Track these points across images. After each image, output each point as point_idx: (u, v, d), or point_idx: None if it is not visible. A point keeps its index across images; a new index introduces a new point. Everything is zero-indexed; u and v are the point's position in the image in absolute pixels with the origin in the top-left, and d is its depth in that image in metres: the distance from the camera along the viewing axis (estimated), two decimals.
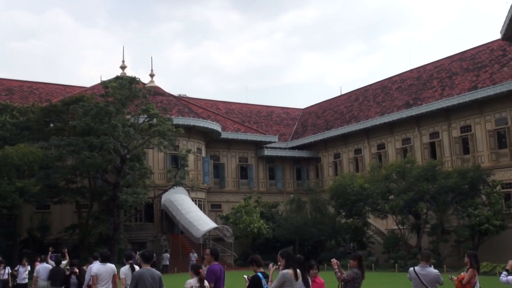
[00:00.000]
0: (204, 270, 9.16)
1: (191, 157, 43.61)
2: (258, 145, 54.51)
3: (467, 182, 36.11)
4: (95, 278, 11.44)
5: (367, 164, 48.12)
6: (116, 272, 11.77)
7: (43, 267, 16.28)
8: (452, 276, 10.38)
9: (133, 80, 36.90)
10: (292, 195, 48.67)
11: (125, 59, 50.62)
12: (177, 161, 43.15)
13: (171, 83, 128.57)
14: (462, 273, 10.13)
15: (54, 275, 15.58)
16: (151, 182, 40.51)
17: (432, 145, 44.27)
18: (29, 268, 19.94)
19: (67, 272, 14.70)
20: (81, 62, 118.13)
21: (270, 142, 54.56)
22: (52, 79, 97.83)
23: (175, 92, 57.23)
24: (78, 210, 38.94)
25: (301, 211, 44.64)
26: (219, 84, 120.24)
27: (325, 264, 32.07)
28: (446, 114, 42.67)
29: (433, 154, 43.65)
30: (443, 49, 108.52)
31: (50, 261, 17.26)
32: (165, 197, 42.24)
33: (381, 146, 49.14)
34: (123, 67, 49.56)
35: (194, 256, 38.39)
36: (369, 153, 49.95)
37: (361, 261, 9.57)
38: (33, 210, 39.55)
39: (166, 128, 35.86)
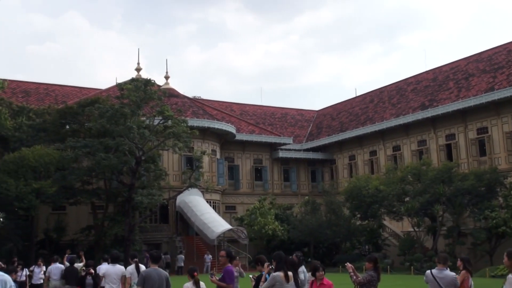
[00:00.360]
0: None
1: (205, 159, 43.69)
2: (273, 147, 54.47)
3: (483, 184, 35.81)
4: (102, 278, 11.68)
5: (382, 166, 47.88)
6: (124, 273, 11.90)
7: (55, 267, 16.59)
8: None
9: (148, 82, 37.02)
10: (306, 197, 48.59)
11: (140, 61, 50.80)
12: (191, 163, 43.25)
13: (186, 85, 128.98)
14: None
15: (68, 274, 15.90)
16: (166, 184, 40.63)
17: (448, 147, 43.93)
18: (44, 268, 20.11)
19: (83, 273, 14.85)
20: (96, 65, 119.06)
21: (284, 144, 54.51)
22: (68, 81, 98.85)
23: (189, 94, 57.43)
24: (93, 211, 39.18)
25: (316, 213, 44.53)
26: (233, 86, 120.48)
27: (340, 266, 31.95)
28: (463, 115, 42.32)
29: (449, 156, 43.31)
30: (459, 50, 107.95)
31: (66, 262, 17.48)
32: (180, 199, 42.33)
33: (396, 148, 48.87)
34: (138, 69, 49.79)
35: (209, 258, 38.45)
36: (385, 155, 49.69)
37: (376, 263, 9.54)
38: (49, 211, 39.83)
39: (181, 130, 35.92)
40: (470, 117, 42.06)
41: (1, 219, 18.73)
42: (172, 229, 44.58)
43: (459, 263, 10.23)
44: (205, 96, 61.23)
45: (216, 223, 40.94)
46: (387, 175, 41.32)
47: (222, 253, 9.98)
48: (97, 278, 14.16)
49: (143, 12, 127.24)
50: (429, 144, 45.52)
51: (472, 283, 10.16)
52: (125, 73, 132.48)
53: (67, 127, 37.91)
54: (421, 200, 36.35)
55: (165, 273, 8.87)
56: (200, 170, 40.71)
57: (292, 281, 8.27)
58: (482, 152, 41.34)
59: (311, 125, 63.49)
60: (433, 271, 8.86)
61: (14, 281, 18.26)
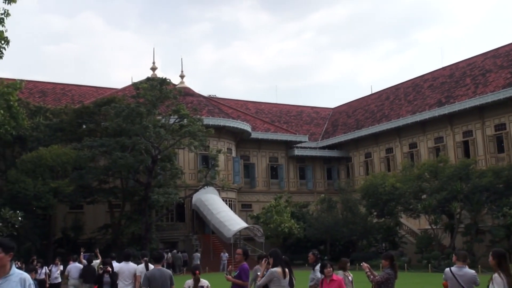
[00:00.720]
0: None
1: (221, 157, 43.75)
2: (288, 145, 54.39)
3: (502, 181, 35.42)
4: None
5: (398, 163, 47.61)
6: (136, 271, 12.02)
7: (74, 266, 16.95)
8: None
9: (163, 81, 37.13)
10: (322, 195, 48.43)
11: (155, 61, 51.26)
12: (207, 161, 43.32)
13: (201, 84, 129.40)
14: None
15: (86, 273, 16.15)
16: (182, 182, 40.79)
17: (466, 144, 43.55)
18: (61, 267, 20.30)
19: (100, 271, 14.93)
20: (112, 64, 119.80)
21: (300, 142, 54.43)
22: (84, 81, 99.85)
23: (205, 92, 57.59)
24: (110, 210, 39.42)
25: (332, 210, 44.39)
26: (248, 84, 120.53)
27: (357, 264, 31.80)
28: (480, 112, 41.92)
29: (467, 153, 42.94)
30: (476, 46, 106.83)
31: (83, 260, 17.62)
32: (196, 197, 42.45)
33: (413, 145, 48.55)
34: (153, 69, 50.00)
35: (225, 256, 38.49)
36: (401, 152, 49.40)
37: (393, 261, 9.49)
38: (67, 210, 40.16)
39: (196, 129, 35.99)
40: (488, 113, 41.65)
41: (20, 218, 18.96)
42: (188, 227, 44.72)
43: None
44: (220, 95, 61.48)
45: (232, 221, 40.99)
46: (403, 173, 41.07)
47: (239, 251, 10.26)
48: (114, 276, 14.22)
49: (158, 12, 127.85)
50: (446, 141, 45.15)
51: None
52: (140, 73, 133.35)
53: (84, 126, 38.19)
54: (438, 197, 36.07)
55: (169, 272, 9.26)
56: (216, 168, 40.74)
57: (288, 278, 8.56)
58: (500, 148, 40.92)
59: (327, 122, 63.30)
60: (453, 268, 8.77)
61: (34, 279, 18.51)
